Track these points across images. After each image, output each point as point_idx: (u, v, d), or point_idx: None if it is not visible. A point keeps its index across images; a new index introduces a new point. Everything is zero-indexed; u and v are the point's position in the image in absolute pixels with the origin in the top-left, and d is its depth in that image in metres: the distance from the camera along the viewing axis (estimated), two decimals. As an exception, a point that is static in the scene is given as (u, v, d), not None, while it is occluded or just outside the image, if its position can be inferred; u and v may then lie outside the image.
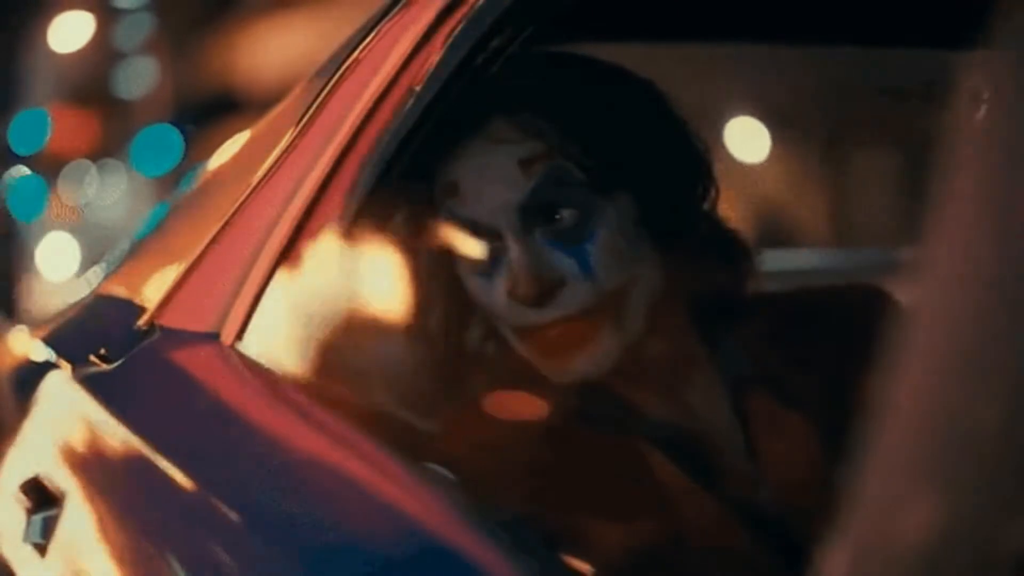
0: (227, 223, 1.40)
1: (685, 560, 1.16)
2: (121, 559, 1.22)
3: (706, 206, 1.25)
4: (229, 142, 1.70)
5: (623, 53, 1.28)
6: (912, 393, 0.59)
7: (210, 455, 1.23)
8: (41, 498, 1.36)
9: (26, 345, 1.74)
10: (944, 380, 0.58)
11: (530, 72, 1.24)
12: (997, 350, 0.56)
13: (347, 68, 1.38)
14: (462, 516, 0.98)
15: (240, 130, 1.71)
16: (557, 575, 0.92)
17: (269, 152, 1.41)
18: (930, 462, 0.58)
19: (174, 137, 12.40)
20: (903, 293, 0.61)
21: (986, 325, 0.57)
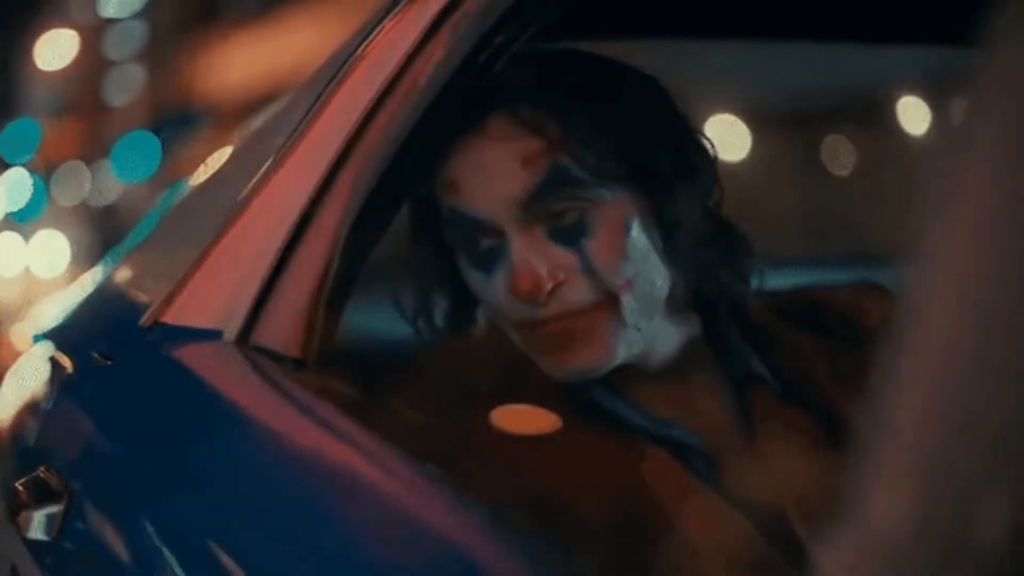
0: (230, 220, 1.40)
1: (686, 558, 1.16)
2: (122, 557, 1.22)
3: (708, 203, 1.25)
4: (231, 140, 1.70)
5: (625, 50, 1.29)
6: (912, 391, 0.59)
7: (212, 453, 1.23)
8: (43, 495, 1.36)
9: (28, 342, 1.74)
10: (944, 378, 0.58)
11: (532, 69, 1.24)
12: (997, 347, 0.57)
13: (350, 65, 1.38)
14: (464, 514, 0.98)
15: (215, 139, 1.71)
16: (558, 574, 0.92)
17: (272, 149, 1.41)
18: (931, 459, 0.58)
19: (152, 143, 12.48)
20: (903, 292, 0.61)
21: (985, 323, 0.58)
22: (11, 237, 13.95)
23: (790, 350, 1.27)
